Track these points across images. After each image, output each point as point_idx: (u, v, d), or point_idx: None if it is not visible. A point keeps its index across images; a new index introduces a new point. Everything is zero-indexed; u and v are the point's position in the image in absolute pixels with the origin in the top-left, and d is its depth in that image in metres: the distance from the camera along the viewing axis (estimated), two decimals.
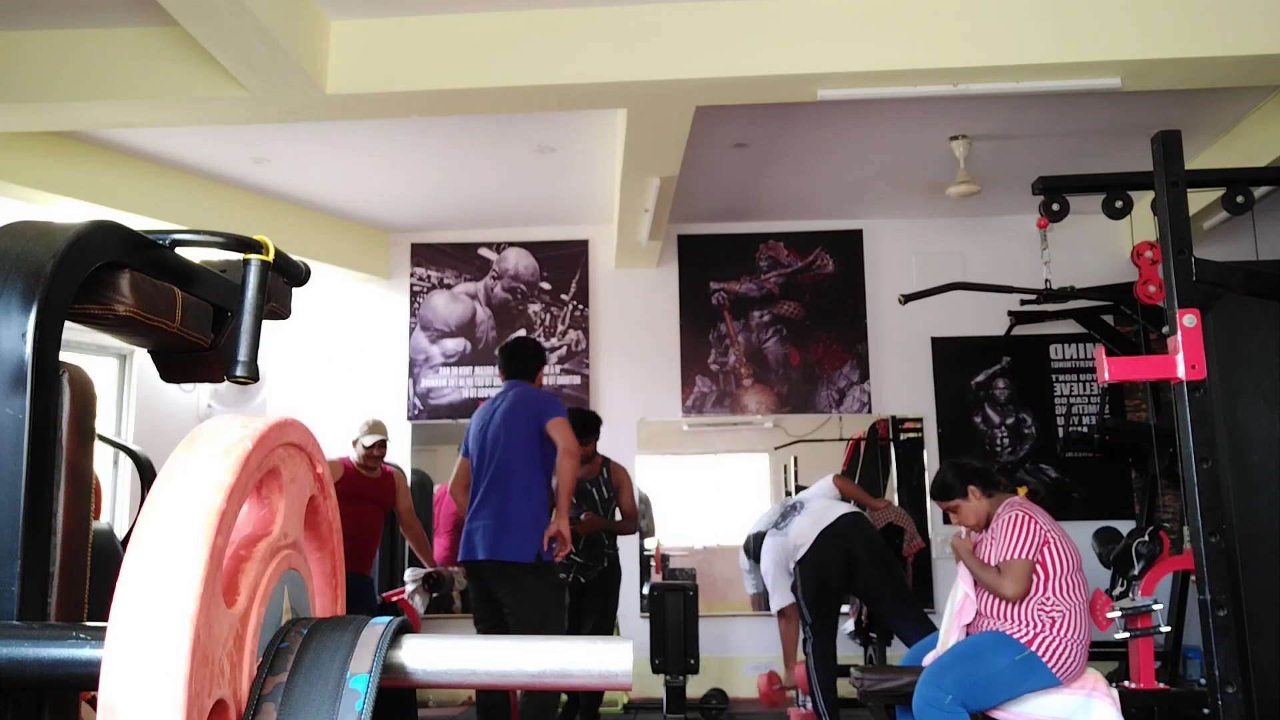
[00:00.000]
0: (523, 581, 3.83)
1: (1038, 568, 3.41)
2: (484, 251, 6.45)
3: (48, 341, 0.89)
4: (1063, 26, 3.73)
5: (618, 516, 5.07)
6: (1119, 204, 3.34)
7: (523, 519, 3.87)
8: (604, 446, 5.14)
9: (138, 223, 2.63)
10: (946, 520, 4.13)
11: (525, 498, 3.89)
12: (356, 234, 6.27)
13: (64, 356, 0.93)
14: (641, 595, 6.08)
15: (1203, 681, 3.81)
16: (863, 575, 4.63)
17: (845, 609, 5.15)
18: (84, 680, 0.72)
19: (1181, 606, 4.55)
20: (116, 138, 4.84)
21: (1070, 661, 3.32)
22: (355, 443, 4.69)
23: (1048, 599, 3.38)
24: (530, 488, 3.91)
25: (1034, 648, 3.32)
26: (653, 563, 6.02)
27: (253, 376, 1.14)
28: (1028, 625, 3.37)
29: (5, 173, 4.55)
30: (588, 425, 4.90)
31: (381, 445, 4.71)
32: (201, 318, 1.16)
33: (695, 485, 6.45)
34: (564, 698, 5.01)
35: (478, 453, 4.07)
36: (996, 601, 3.45)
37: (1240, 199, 3.16)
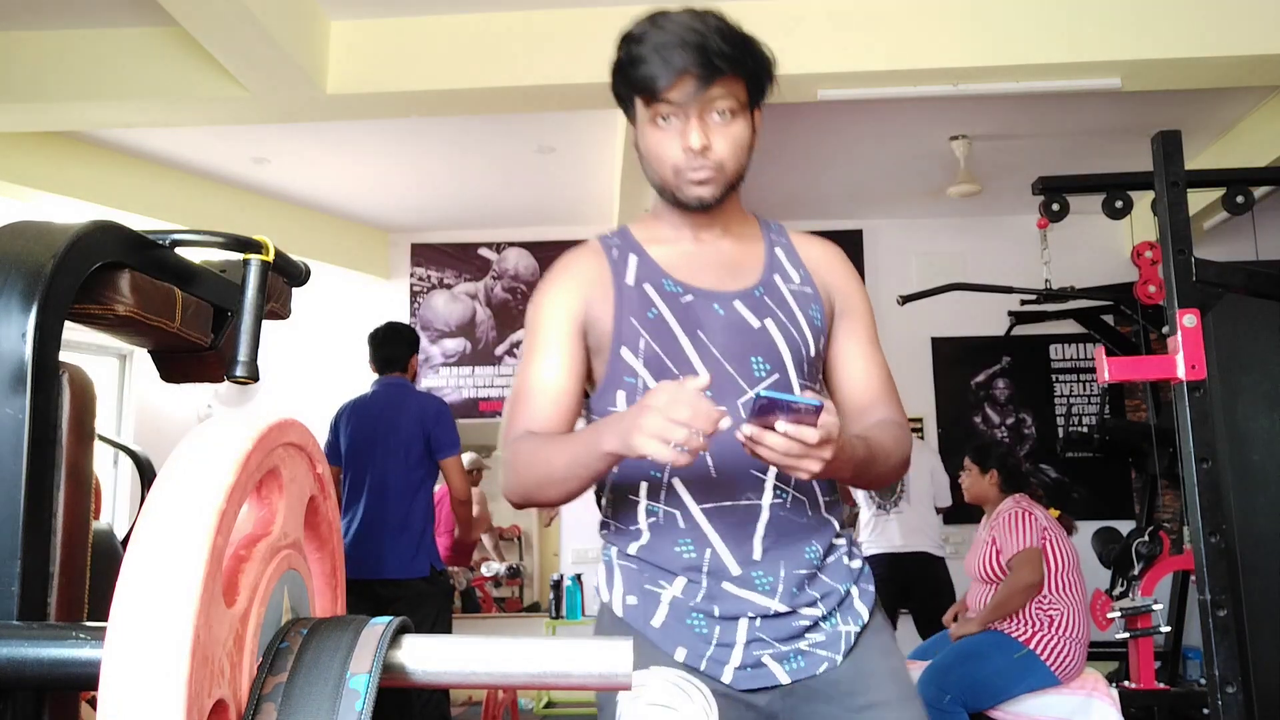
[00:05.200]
0: (420, 594, 3.64)
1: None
2: (484, 251, 6.45)
3: (48, 341, 0.89)
4: (1063, 26, 3.73)
5: (822, 400, 1.11)
6: (1119, 204, 3.35)
7: (412, 529, 3.66)
8: None
9: (138, 223, 2.63)
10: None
11: (412, 505, 3.67)
12: (356, 234, 6.27)
13: (64, 356, 0.93)
14: None
15: (1203, 681, 3.81)
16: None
17: None
18: (84, 680, 0.72)
19: (1181, 606, 4.55)
20: (116, 138, 4.83)
21: (1069, 660, 3.32)
22: None
23: (1046, 597, 3.39)
24: (418, 493, 3.70)
25: (1033, 646, 3.33)
26: None
27: (253, 376, 1.14)
28: (1026, 624, 3.37)
29: (5, 173, 4.55)
30: None
31: None
32: (201, 318, 1.16)
33: None
34: None
35: (351, 456, 3.78)
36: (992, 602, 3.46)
37: (1240, 199, 3.16)
